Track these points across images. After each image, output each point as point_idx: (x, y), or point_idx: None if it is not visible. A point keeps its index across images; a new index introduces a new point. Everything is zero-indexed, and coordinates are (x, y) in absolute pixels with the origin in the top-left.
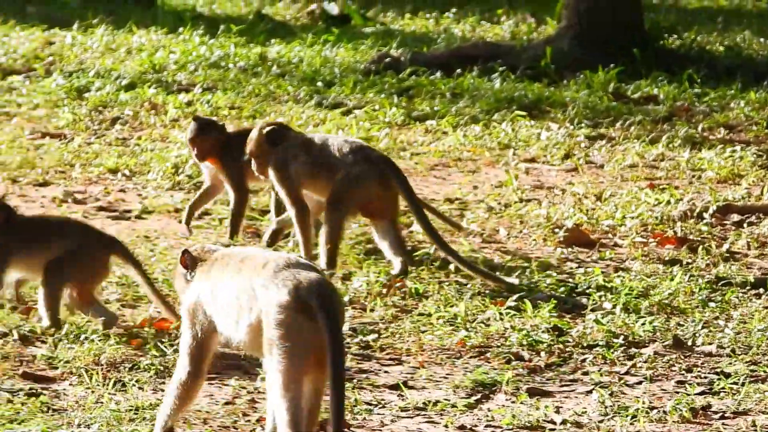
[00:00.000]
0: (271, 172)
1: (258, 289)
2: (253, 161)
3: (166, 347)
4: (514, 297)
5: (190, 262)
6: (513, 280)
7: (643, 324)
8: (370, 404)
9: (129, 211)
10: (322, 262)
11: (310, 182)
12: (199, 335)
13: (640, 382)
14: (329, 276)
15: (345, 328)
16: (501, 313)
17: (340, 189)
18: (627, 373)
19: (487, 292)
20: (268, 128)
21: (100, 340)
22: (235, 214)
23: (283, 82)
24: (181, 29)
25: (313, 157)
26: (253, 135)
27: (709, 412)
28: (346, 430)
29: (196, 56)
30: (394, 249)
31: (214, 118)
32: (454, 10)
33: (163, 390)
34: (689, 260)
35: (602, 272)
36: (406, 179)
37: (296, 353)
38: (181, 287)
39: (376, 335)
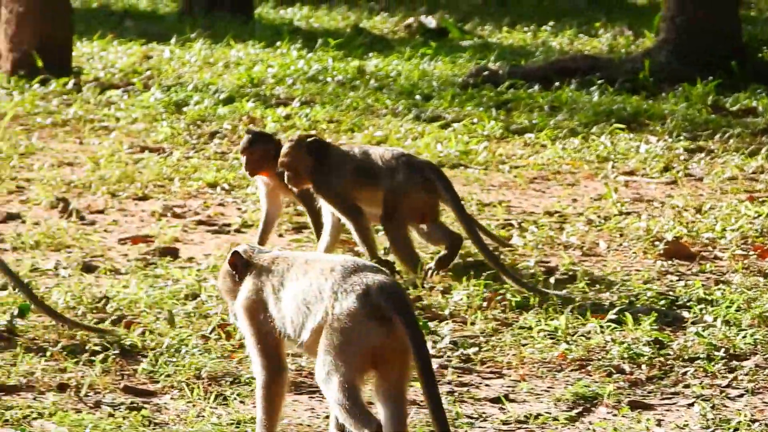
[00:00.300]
0: (314, 186)
1: (326, 294)
2: (286, 174)
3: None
4: (615, 310)
5: (240, 263)
6: (559, 292)
7: (744, 337)
8: (471, 417)
9: (228, 225)
10: (410, 276)
11: (353, 192)
12: (264, 330)
13: (741, 395)
14: (429, 289)
15: (446, 341)
16: (602, 326)
17: (390, 201)
18: (728, 385)
19: (587, 305)
20: (309, 140)
21: (201, 354)
22: (315, 224)
23: (381, 96)
24: (278, 43)
25: (355, 167)
26: (290, 147)
27: None
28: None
29: (294, 70)
30: (440, 236)
31: (268, 132)
32: (551, 23)
33: None
34: None
35: (703, 285)
36: (451, 184)
37: (357, 358)
38: (228, 287)
39: (477, 348)
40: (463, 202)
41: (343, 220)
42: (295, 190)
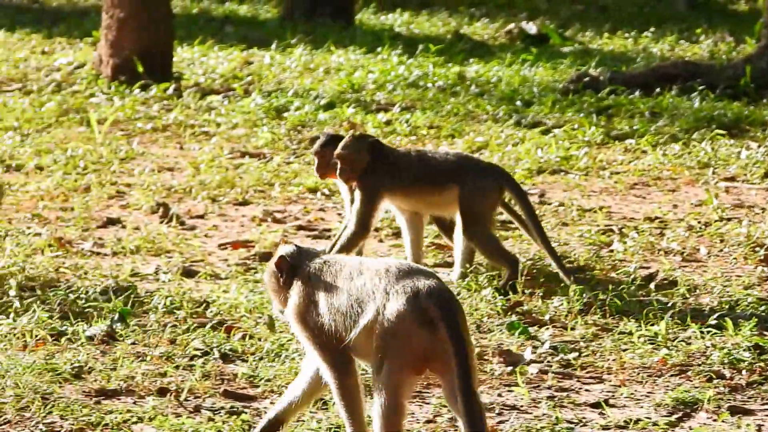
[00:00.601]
0: (360, 182)
1: (379, 294)
2: (340, 166)
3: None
4: (715, 315)
5: (285, 267)
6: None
7: None
8: (571, 422)
9: (329, 230)
10: (504, 277)
11: (410, 194)
12: (318, 332)
13: None
14: (529, 294)
15: (546, 346)
16: (702, 332)
17: (468, 205)
18: None
19: (687, 310)
20: (372, 139)
21: (300, 358)
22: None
23: (481, 102)
24: (379, 49)
25: (417, 169)
26: (350, 141)
27: None
28: None
29: (394, 76)
30: (465, 256)
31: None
32: (652, 29)
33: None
34: None
35: None
36: (517, 183)
37: (405, 361)
38: (273, 286)
39: (577, 353)
40: (563, 207)
41: (351, 224)
42: (344, 183)
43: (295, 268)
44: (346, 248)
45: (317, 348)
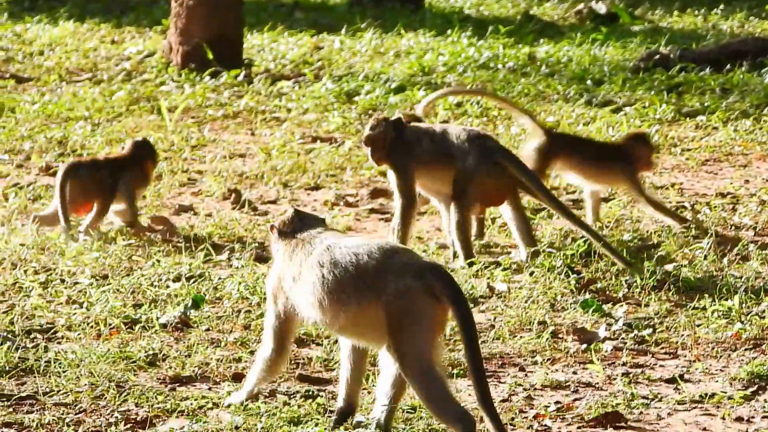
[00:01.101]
0: (390, 161)
1: (370, 276)
2: (369, 149)
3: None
4: None
5: (275, 233)
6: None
7: None
8: (647, 398)
9: None
10: (460, 259)
11: (430, 171)
12: (281, 316)
13: None
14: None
15: (620, 323)
16: None
17: (459, 182)
18: None
19: (761, 284)
20: (395, 117)
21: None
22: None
23: (552, 82)
24: (449, 31)
25: (435, 145)
26: (378, 123)
27: None
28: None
29: (464, 58)
30: (521, 235)
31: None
32: (722, 6)
33: None
34: None
35: None
36: (523, 163)
37: (427, 333)
38: (270, 247)
39: (651, 330)
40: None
41: (396, 198)
42: (376, 165)
43: (286, 236)
44: (402, 224)
45: (271, 325)
